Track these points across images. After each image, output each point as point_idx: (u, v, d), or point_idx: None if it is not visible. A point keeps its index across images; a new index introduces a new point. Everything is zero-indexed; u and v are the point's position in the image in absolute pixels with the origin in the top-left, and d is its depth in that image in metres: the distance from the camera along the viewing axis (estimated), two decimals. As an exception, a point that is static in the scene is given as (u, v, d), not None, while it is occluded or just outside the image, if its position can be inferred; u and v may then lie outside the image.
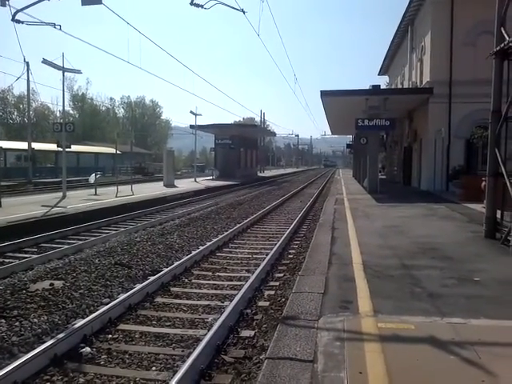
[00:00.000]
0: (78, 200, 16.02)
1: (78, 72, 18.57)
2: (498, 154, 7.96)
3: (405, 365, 3.29)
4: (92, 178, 19.95)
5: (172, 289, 6.34)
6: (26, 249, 9.03)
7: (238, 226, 11.36)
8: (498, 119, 8.00)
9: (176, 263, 7.31)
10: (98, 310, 5.15)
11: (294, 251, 8.85)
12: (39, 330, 4.68)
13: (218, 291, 6.24)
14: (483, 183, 10.33)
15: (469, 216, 11.41)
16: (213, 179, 33.70)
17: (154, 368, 3.97)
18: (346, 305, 4.59)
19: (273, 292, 6.14)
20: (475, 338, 3.70)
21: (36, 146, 36.48)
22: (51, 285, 6.23)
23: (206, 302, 5.74)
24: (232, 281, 6.75)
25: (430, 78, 19.36)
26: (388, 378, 3.06)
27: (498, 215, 8.15)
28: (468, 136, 17.34)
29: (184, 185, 26.51)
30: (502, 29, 7.85)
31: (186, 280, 6.81)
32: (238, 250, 9.01)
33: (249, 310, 5.39)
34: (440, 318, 4.17)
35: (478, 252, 7.21)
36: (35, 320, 4.93)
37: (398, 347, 3.59)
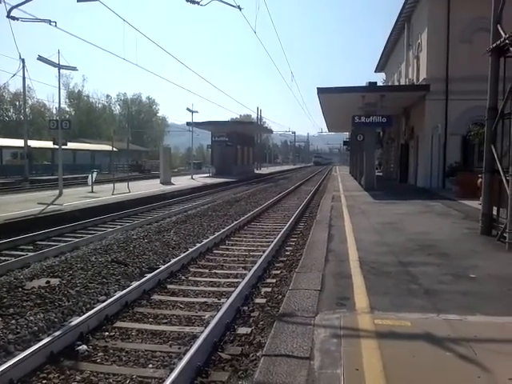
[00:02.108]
0: (74, 197, 15.97)
1: (74, 69, 18.47)
2: (494, 151, 7.97)
3: (401, 361, 3.29)
4: (90, 180, 19.66)
5: (169, 286, 6.33)
6: (22, 246, 9.00)
7: (235, 223, 11.36)
8: (495, 116, 8.01)
9: (173, 260, 7.30)
10: (94, 307, 5.13)
11: (290, 248, 8.85)
12: (35, 328, 4.66)
13: (215, 288, 6.23)
14: (479, 180, 10.38)
15: (465, 213, 11.45)
16: (210, 176, 33.67)
17: (150, 365, 3.97)
18: (343, 301, 4.60)
19: (269, 289, 6.13)
20: (471, 334, 3.71)
21: (32, 143, 36.32)
22: (47, 282, 6.21)
23: (203, 299, 5.73)
24: (229, 278, 6.74)
25: (427, 74, 19.38)
26: (384, 374, 3.07)
27: (494, 212, 8.18)
28: (464, 133, 17.41)
29: (181, 182, 26.45)
30: (499, 26, 7.86)
31: (183, 277, 6.80)
32: (234, 247, 9.00)
33: (246, 307, 5.39)
34: (436, 315, 4.18)
35: (474, 249, 7.23)
36: (31, 318, 4.91)
37: (394, 344, 3.60)
